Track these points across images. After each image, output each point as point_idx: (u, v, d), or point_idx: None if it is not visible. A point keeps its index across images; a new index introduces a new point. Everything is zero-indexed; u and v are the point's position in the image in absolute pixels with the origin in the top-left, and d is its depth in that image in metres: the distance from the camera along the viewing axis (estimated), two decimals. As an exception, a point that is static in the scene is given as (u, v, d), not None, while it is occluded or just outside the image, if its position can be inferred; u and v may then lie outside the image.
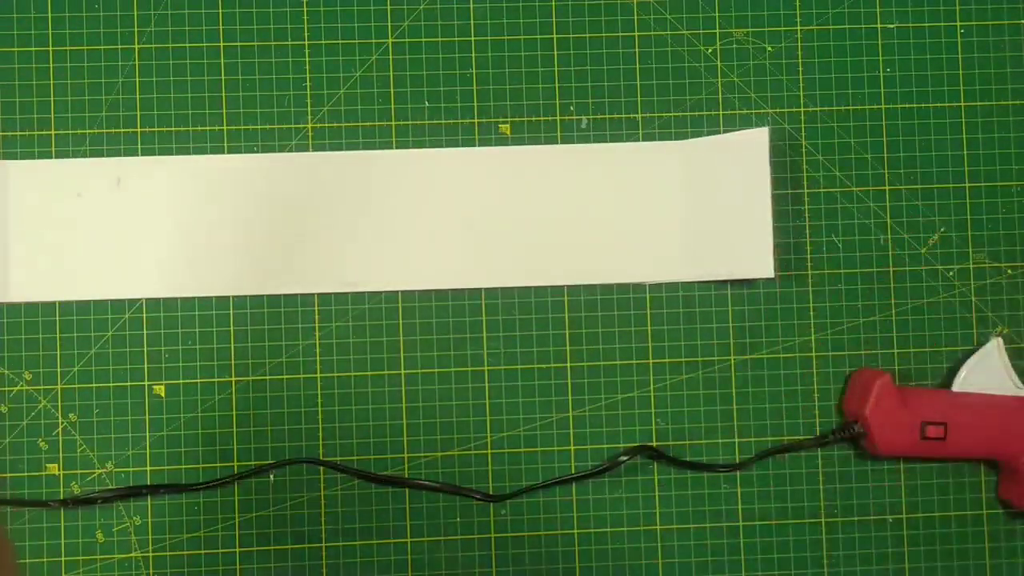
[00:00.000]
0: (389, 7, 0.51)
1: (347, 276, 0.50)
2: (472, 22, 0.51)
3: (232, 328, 0.50)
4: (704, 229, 0.50)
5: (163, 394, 0.50)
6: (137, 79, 0.50)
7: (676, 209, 0.51)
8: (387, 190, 0.50)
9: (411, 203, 0.50)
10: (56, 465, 0.49)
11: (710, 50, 0.52)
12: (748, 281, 0.51)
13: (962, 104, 0.52)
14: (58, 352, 0.50)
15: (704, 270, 0.50)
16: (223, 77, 0.51)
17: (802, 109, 0.52)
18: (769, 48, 0.52)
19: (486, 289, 0.51)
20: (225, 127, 0.51)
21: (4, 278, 0.49)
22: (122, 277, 0.50)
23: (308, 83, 0.51)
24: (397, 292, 0.50)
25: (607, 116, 0.52)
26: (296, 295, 0.50)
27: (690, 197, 0.51)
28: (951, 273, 0.52)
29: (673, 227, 0.51)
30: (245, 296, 0.50)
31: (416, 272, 0.50)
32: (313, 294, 0.50)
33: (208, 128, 0.51)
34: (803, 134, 0.52)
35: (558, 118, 0.52)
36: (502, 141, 0.51)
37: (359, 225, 0.50)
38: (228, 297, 0.50)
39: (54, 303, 0.50)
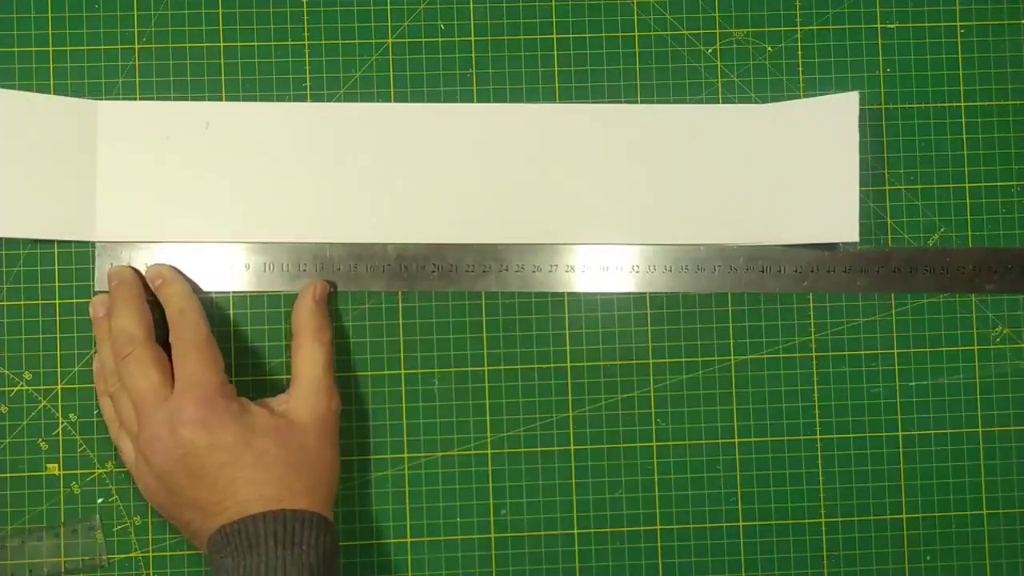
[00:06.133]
0: (389, 7, 0.51)
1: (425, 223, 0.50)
2: (472, 22, 0.51)
3: (232, 328, 0.50)
4: (787, 193, 0.50)
5: (163, 394, 0.50)
6: (137, 79, 0.50)
7: (759, 173, 0.50)
8: (457, 144, 0.50)
9: (477, 157, 0.50)
10: (56, 465, 0.49)
11: (710, 50, 0.52)
12: (830, 245, 0.51)
13: (962, 104, 0.52)
14: (58, 352, 0.50)
15: (787, 233, 0.50)
16: (223, 77, 0.51)
17: (802, 109, 0.52)
18: (769, 48, 0.52)
19: (559, 245, 0.50)
20: (225, 127, 0.51)
21: (91, 216, 0.49)
22: (207, 219, 0.50)
23: (308, 83, 0.51)
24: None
25: (607, 116, 0.52)
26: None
27: (774, 161, 0.50)
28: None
29: (755, 191, 0.50)
30: (245, 294, 0.50)
31: (513, 225, 0.50)
32: (313, 294, 0.50)
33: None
34: (803, 134, 0.52)
35: (558, 118, 0.51)
36: (502, 141, 0.51)
37: (433, 176, 0.50)
38: (228, 295, 0.50)
39: (50, 293, 0.50)
